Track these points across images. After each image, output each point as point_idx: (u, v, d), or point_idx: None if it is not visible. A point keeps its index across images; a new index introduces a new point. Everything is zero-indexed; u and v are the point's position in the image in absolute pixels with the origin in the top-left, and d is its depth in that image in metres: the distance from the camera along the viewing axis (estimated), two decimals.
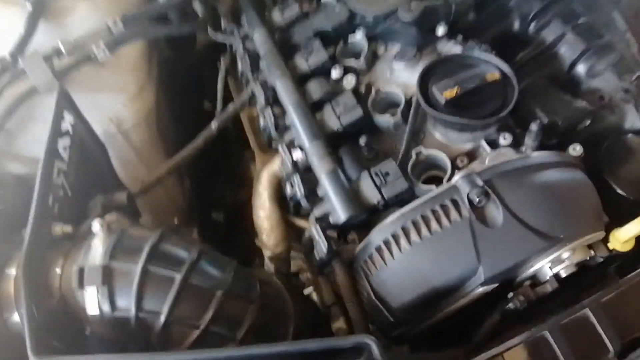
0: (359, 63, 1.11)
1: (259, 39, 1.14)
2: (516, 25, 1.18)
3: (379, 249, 0.87)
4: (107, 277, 0.82)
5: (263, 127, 1.03)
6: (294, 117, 1.01)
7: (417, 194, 0.92)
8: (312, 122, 1.00)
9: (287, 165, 0.97)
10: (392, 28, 1.09)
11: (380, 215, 0.92)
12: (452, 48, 1.09)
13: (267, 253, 1.11)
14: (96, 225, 0.86)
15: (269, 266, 1.13)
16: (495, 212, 0.83)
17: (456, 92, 0.93)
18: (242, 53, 1.17)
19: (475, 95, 0.93)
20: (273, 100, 1.06)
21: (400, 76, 1.09)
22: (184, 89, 1.45)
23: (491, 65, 0.96)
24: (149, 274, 0.83)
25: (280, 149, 1.01)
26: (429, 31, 1.10)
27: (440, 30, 1.10)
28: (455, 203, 0.84)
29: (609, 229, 0.87)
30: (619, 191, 0.94)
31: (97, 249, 0.85)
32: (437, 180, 0.94)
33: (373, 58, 1.14)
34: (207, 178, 1.50)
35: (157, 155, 1.32)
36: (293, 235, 1.10)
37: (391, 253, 0.86)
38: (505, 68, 0.96)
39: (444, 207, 0.85)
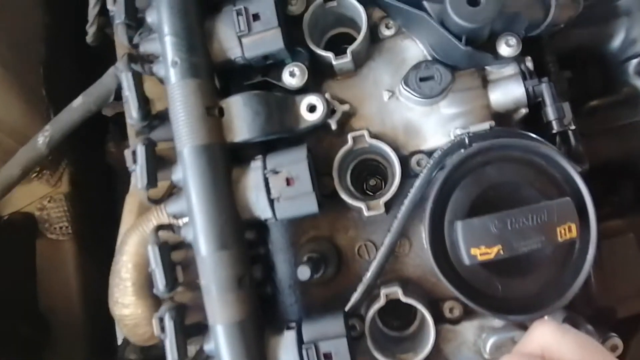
0: (346, 60, 0.58)
1: None
2: (614, 44, 0.69)
3: None
4: None
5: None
6: (187, 169, 0.51)
7: None
8: (221, 201, 0.51)
9: (152, 260, 0.50)
10: (418, 19, 0.55)
11: None
12: (510, 89, 0.59)
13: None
14: None
15: None
16: None
17: (496, 253, 0.50)
18: None
19: (522, 256, 0.51)
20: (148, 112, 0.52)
21: (403, 112, 0.60)
22: None
23: (572, 206, 0.51)
24: None
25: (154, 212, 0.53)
26: (486, 43, 0.58)
27: (507, 48, 0.58)
28: None
29: None
30: None
31: None
32: None
33: (371, 45, 0.61)
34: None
35: None
36: None
37: None
38: (592, 222, 0.52)
39: None
